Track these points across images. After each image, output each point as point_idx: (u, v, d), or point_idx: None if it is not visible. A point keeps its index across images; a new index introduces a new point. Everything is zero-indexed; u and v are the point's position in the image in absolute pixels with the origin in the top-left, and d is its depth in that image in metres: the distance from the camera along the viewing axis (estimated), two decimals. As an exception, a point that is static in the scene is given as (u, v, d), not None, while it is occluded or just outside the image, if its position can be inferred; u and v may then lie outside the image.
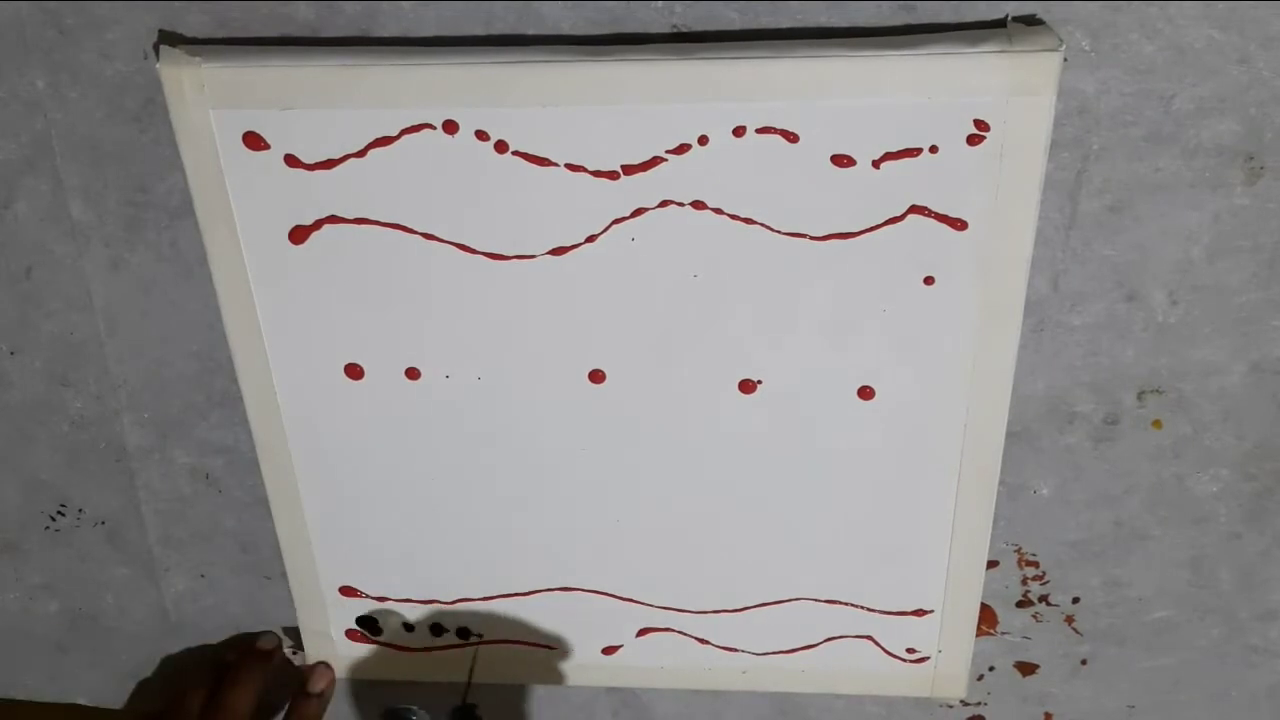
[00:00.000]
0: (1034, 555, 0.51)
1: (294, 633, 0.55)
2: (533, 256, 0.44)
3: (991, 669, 0.54)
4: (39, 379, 0.50)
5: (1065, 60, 0.39)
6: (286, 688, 0.55)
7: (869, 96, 0.39)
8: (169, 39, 0.42)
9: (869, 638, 0.52)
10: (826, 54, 0.39)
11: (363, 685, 0.57)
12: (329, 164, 0.43)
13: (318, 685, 0.55)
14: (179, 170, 0.43)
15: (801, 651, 0.53)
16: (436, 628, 0.54)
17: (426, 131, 0.41)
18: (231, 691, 0.53)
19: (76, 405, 0.51)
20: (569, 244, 0.43)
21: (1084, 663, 0.54)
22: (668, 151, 0.41)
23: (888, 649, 0.52)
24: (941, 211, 0.42)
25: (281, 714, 0.55)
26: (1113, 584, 0.51)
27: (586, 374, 0.46)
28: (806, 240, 0.43)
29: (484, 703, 0.57)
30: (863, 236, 0.42)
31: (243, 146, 0.42)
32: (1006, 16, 0.39)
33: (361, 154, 0.42)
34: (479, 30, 0.41)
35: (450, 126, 0.41)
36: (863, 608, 0.51)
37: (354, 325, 0.46)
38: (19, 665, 0.59)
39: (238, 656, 0.55)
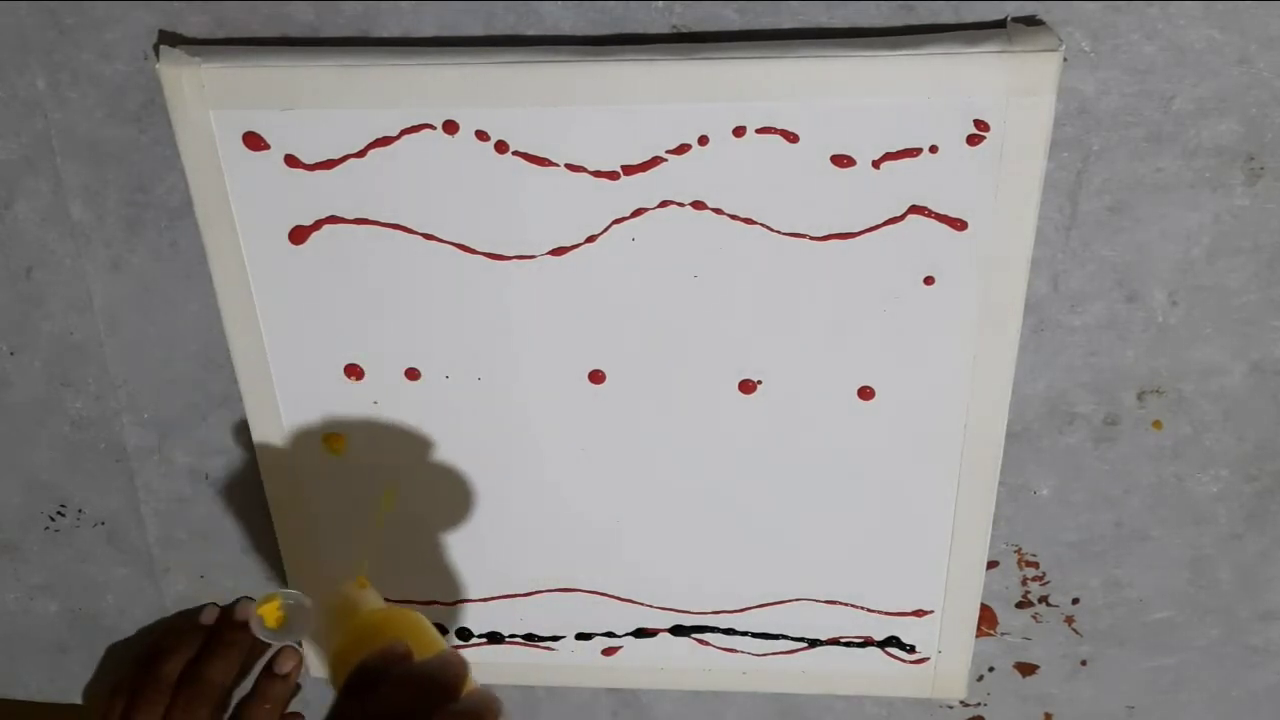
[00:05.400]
0: (1034, 556, 0.51)
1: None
2: (533, 256, 0.44)
3: (991, 669, 0.54)
4: (39, 379, 0.50)
5: (1065, 60, 0.39)
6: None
7: (869, 96, 0.39)
8: (169, 39, 0.42)
9: (869, 638, 0.52)
10: (826, 54, 0.39)
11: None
12: (329, 164, 0.43)
13: (284, 667, 0.54)
14: (179, 170, 0.43)
15: (801, 652, 0.53)
16: (437, 628, 0.54)
17: (426, 131, 0.41)
18: (211, 663, 0.52)
19: (76, 405, 0.51)
20: (569, 244, 0.43)
21: (1084, 663, 0.54)
22: (668, 151, 0.41)
23: (888, 649, 0.52)
24: (941, 211, 0.42)
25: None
26: (1113, 584, 0.51)
27: (586, 374, 0.46)
28: (806, 240, 0.43)
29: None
30: (863, 236, 0.42)
31: (243, 146, 0.42)
32: (1006, 17, 0.39)
33: (361, 154, 0.42)
34: (479, 30, 0.41)
35: (450, 126, 0.41)
36: (863, 608, 0.51)
37: (354, 325, 0.46)
38: (19, 665, 0.59)
39: (218, 626, 0.54)
